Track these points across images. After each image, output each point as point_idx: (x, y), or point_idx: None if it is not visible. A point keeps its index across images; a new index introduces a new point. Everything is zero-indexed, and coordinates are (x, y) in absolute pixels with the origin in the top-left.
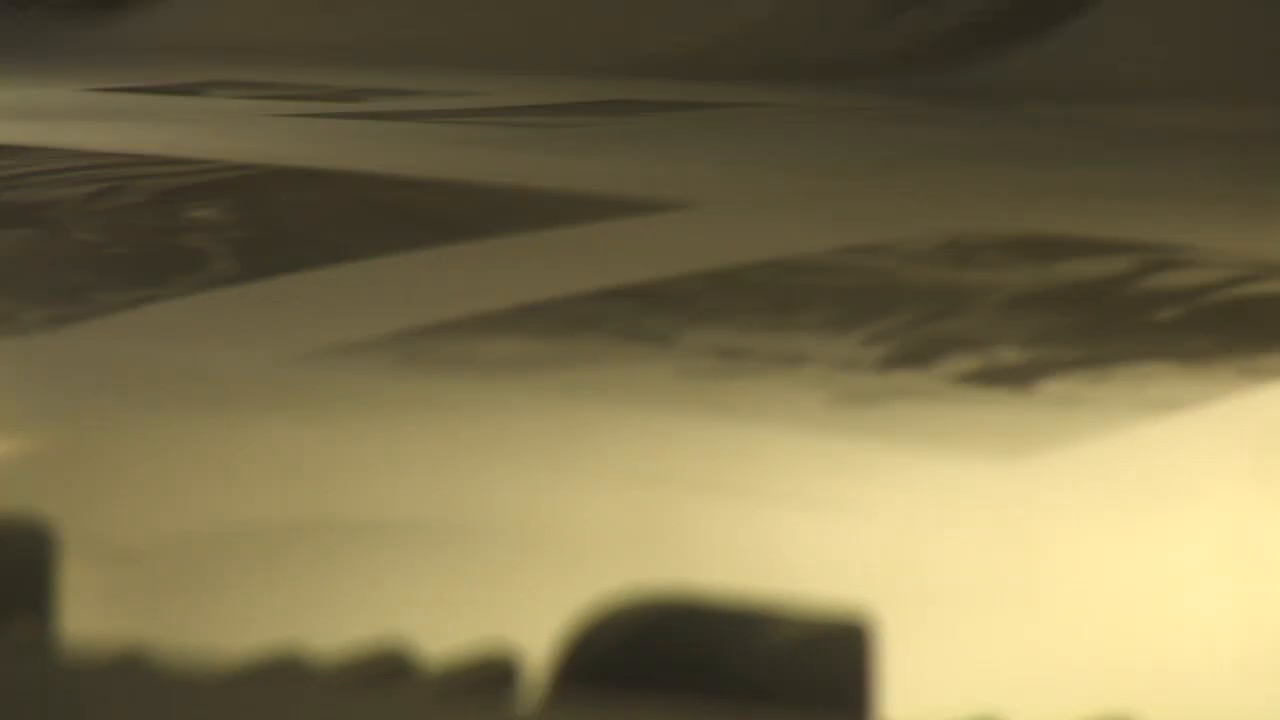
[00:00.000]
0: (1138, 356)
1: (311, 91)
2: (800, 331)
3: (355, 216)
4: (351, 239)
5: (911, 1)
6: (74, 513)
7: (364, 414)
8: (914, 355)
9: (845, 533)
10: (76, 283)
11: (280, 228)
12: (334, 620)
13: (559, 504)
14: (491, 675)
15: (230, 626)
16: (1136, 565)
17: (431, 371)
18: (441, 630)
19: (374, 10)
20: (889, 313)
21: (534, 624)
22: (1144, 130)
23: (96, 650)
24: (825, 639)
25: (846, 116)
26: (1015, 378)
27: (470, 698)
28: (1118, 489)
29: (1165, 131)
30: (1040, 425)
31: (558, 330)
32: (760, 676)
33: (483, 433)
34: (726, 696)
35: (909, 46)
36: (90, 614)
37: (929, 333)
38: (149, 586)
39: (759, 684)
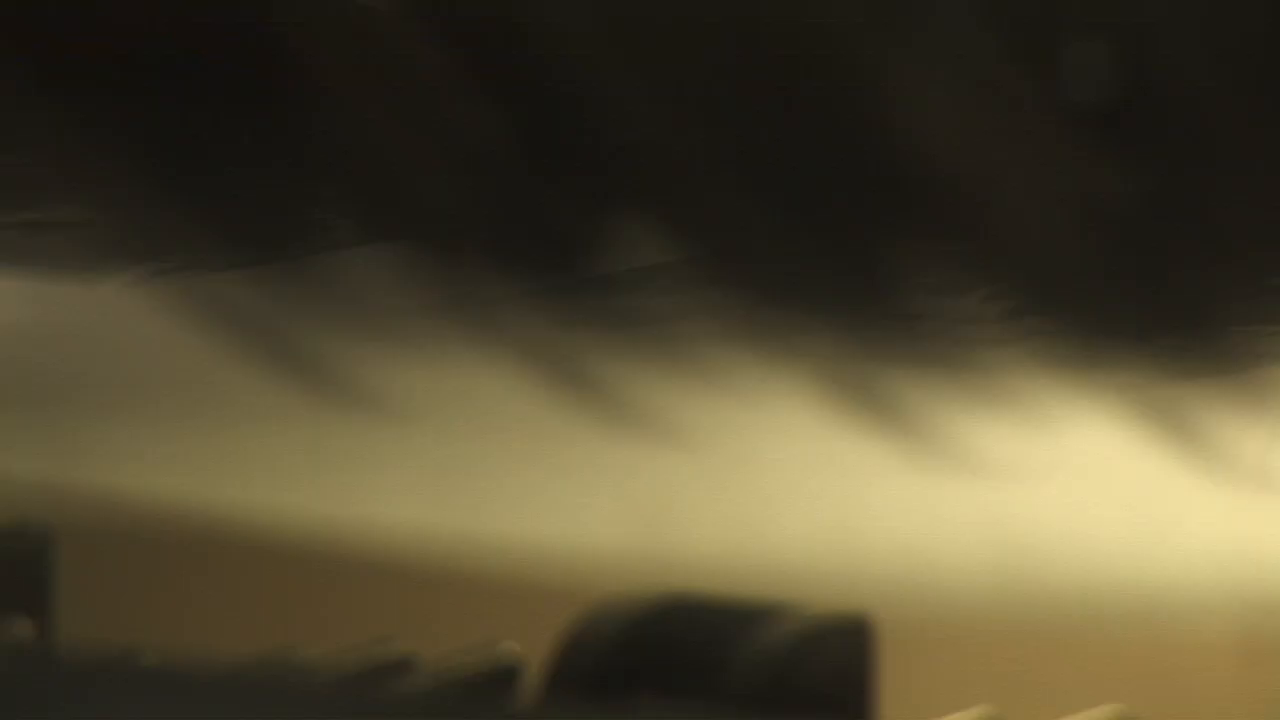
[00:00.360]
0: None
1: None
2: None
3: None
4: None
5: None
6: None
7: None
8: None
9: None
10: None
11: None
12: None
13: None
14: (492, 673)
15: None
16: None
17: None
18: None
19: None
20: None
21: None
22: None
23: (94, 646)
24: (824, 638)
25: None
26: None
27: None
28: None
29: None
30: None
31: None
32: (758, 675)
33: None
34: (725, 694)
35: None
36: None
37: None
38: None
39: (757, 685)
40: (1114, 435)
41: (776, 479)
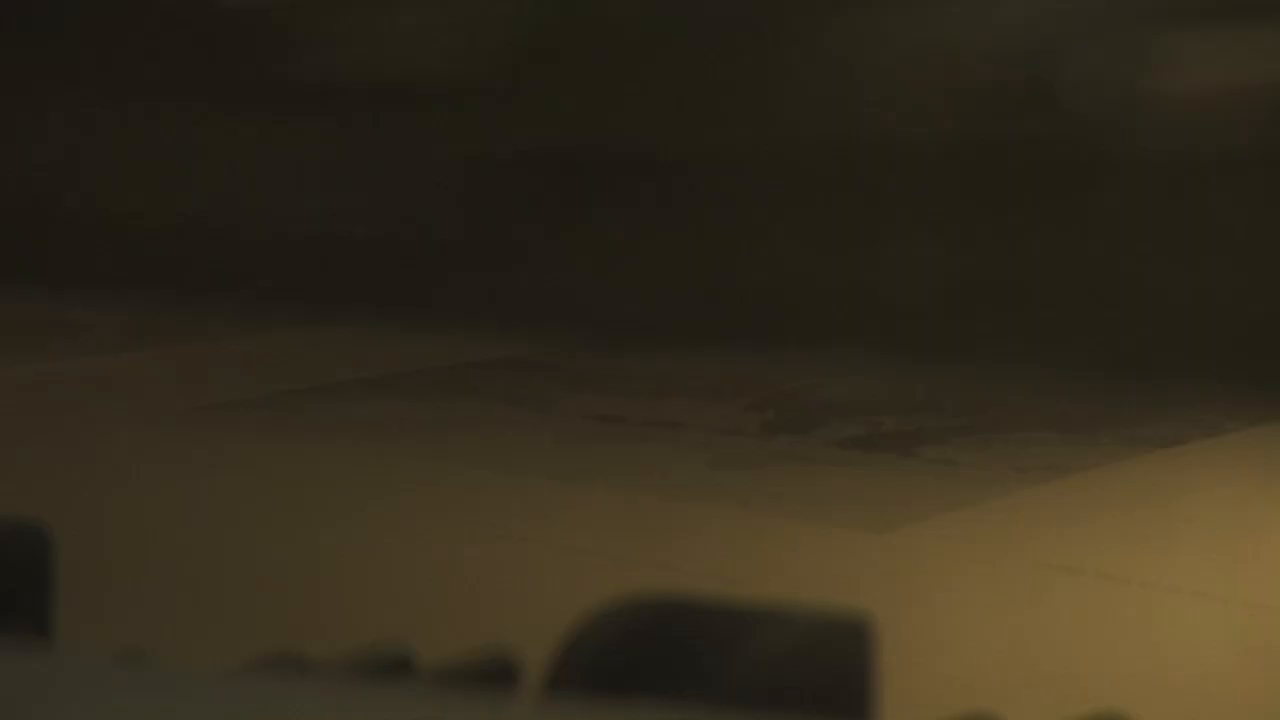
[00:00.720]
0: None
1: None
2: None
3: None
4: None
5: None
6: None
7: None
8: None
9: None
10: None
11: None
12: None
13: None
14: (492, 673)
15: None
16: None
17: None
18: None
19: None
20: None
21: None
22: None
23: (96, 650)
24: (825, 640)
25: None
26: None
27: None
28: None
29: None
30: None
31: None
32: (759, 677)
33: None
34: (725, 695)
35: None
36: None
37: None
38: None
39: (757, 685)
40: None
41: None
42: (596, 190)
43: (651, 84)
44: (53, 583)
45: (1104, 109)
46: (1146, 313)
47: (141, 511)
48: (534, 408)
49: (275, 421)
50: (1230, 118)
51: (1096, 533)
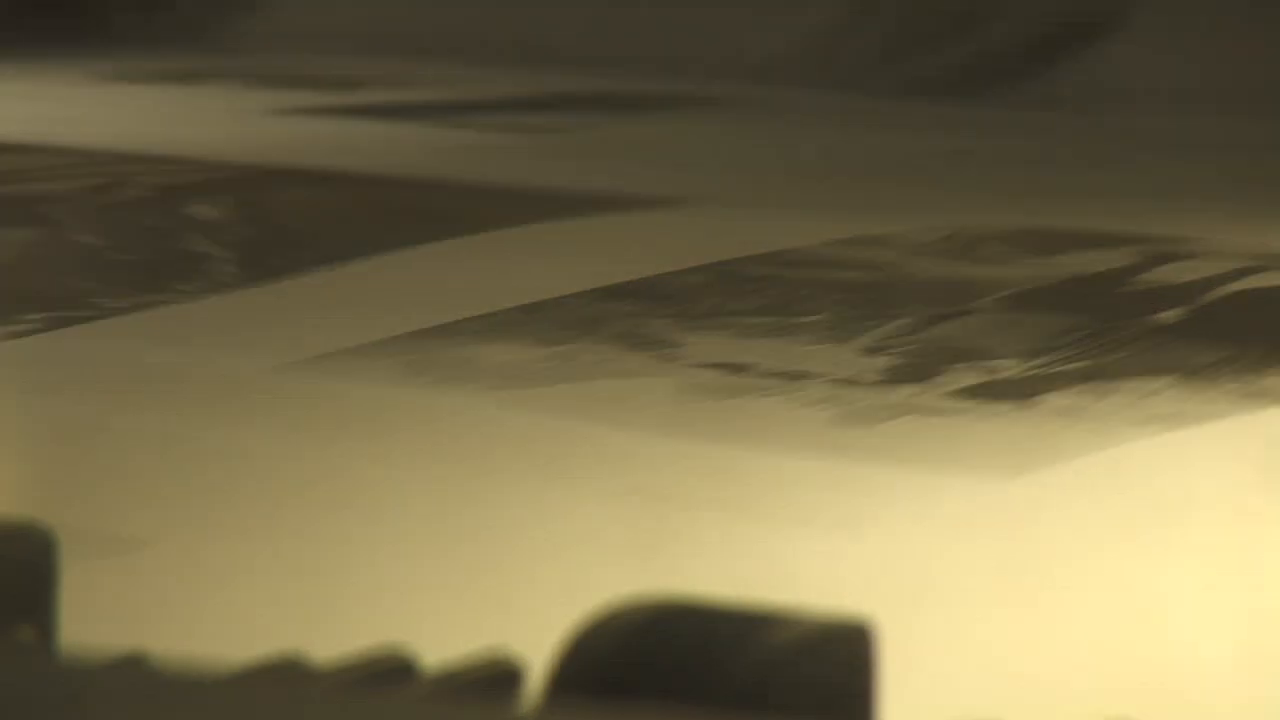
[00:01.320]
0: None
1: (307, 80)
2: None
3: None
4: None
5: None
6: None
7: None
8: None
9: (847, 552)
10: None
11: (280, 230)
12: (336, 624)
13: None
14: (493, 678)
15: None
16: (1134, 579)
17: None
18: (444, 635)
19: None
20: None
21: (535, 631)
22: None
23: (97, 651)
24: (826, 643)
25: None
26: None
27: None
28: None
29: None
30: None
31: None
32: (760, 680)
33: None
34: (728, 700)
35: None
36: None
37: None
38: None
39: (759, 688)
40: None
41: None
42: None
43: None
44: (53, 583)
45: None
46: None
47: None
48: None
49: None
50: None
51: None
